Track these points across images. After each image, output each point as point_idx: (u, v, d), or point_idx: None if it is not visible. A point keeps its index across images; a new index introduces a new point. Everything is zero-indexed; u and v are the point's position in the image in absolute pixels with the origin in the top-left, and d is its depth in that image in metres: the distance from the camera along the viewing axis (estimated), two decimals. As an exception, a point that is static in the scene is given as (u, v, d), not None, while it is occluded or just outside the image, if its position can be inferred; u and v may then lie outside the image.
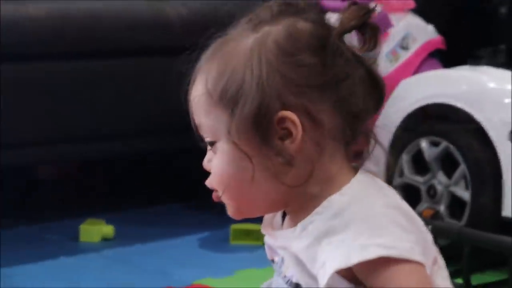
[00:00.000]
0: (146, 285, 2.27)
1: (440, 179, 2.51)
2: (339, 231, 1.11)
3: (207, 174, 1.18)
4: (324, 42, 1.13)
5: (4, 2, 2.50)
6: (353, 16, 1.16)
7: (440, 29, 2.92)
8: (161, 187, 3.35)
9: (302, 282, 1.17)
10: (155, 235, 2.73)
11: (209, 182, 1.19)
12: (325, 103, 1.13)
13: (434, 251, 1.15)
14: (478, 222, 2.39)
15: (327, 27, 1.15)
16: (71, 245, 2.65)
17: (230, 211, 1.21)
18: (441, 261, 1.18)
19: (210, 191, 1.19)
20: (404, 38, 2.82)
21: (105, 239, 2.69)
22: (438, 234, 2.35)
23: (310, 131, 1.13)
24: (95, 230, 2.69)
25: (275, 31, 1.14)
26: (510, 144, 2.39)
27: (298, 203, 1.18)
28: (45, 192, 3.35)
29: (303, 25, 1.15)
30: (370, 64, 1.14)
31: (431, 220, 2.35)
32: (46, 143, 2.66)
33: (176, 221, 2.90)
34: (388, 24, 2.72)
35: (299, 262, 1.16)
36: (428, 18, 2.87)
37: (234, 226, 2.58)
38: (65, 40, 2.61)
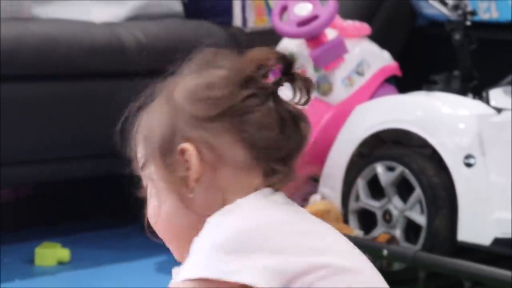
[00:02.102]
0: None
1: (395, 204, 2.49)
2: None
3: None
4: (234, 78, 1.16)
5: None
6: (270, 57, 1.18)
7: (395, 55, 2.93)
8: (118, 209, 3.33)
9: None
10: (112, 258, 2.72)
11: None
12: (228, 135, 1.16)
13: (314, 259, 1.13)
14: (433, 246, 2.38)
15: (238, 69, 1.18)
16: (26, 268, 2.62)
17: (174, 255, 1.25)
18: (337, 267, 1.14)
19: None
20: (360, 64, 2.81)
21: (60, 263, 2.65)
22: (394, 259, 2.37)
23: (210, 162, 1.16)
24: (50, 253, 2.66)
25: (189, 79, 1.19)
26: (465, 168, 2.40)
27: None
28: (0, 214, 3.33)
29: (217, 71, 1.18)
30: (292, 103, 1.17)
31: (387, 245, 2.37)
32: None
33: (134, 244, 2.86)
34: (343, 50, 2.72)
35: None
36: (383, 44, 2.87)
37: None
38: (19, 63, 2.59)
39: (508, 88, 2.38)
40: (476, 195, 2.38)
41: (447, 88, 2.61)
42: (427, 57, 3.09)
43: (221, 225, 1.13)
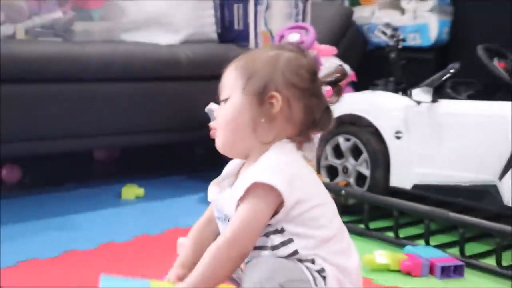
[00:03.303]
0: (159, 227, 2.24)
1: (350, 162, 2.50)
2: (252, 172, 1.15)
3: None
4: (314, 74, 1.21)
5: None
6: (332, 74, 1.24)
7: (353, 67, 2.93)
8: (176, 164, 3.35)
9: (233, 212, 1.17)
10: (171, 195, 2.70)
11: (213, 124, 1.24)
12: (300, 103, 1.19)
13: (321, 194, 1.19)
14: (374, 189, 2.38)
15: (314, 61, 1.24)
16: (115, 201, 2.62)
17: (218, 144, 1.22)
18: (331, 206, 1.20)
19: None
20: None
21: (138, 197, 2.66)
22: (348, 197, 2.37)
23: (283, 112, 1.18)
24: (131, 191, 2.67)
25: (287, 53, 1.21)
26: (395, 140, 2.39)
27: (254, 157, 1.20)
28: (100, 166, 3.35)
29: (303, 58, 1.22)
30: (329, 101, 1.22)
31: (344, 188, 2.37)
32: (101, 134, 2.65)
33: (185, 186, 2.87)
34: (319, 64, 2.72)
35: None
36: (345, 60, 2.88)
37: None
38: (110, 70, 2.56)
39: (425, 88, 2.36)
40: (402, 157, 2.37)
41: (385, 88, 2.61)
42: (373, 69, 3.07)
43: (276, 158, 1.16)
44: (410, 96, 2.39)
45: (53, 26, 2.51)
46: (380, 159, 2.40)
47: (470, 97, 2.43)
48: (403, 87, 2.57)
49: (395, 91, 2.55)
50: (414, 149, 2.35)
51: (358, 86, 2.82)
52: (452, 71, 2.36)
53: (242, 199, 1.14)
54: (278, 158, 1.17)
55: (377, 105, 2.47)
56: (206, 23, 2.93)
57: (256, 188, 1.13)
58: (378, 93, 2.56)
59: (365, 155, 2.44)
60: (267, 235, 1.15)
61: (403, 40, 2.67)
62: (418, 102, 2.37)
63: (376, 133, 2.42)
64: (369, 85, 2.70)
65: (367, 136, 2.44)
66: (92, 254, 1.94)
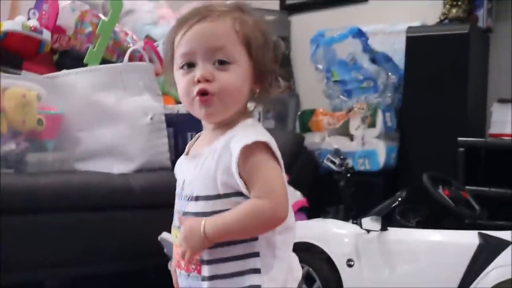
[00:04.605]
0: None
1: (303, 289, 2.49)
2: (239, 136, 1.15)
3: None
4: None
5: None
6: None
7: (305, 193, 2.96)
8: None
9: (203, 190, 1.15)
10: None
11: (212, 89, 1.17)
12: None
13: None
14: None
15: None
16: None
17: (211, 111, 1.18)
18: None
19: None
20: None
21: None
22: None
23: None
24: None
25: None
26: (347, 268, 2.40)
27: (228, 125, 1.20)
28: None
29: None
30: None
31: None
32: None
33: None
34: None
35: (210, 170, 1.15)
36: (297, 186, 2.92)
37: None
38: (63, 200, 2.55)
39: (374, 217, 2.40)
40: (355, 285, 2.38)
41: (336, 216, 2.65)
42: (325, 194, 3.10)
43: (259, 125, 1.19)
44: (360, 224, 2.43)
45: (6, 157, 2.50)
46: (333, 287, 2.40)
47: (419, 224, 2.49)
48: (354, 214, 2.61)
49: (346, 218, 2.59)
50: (366, 276, 2.37)
51: (311, 212, 2.85)
52: (399, 199, 2.42)
53: (245, 161, 1.11)
54: (260, 126, 1.18)
55: (328, 233, 2.50)
56: (160, 151, 2.95)
57: (257, 147, 1.11)
58: (330, 220, 2.60)
59: (318, 283, 2.44)
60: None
61: (352, 168, 2.73)
62: (368, 231, 2.40)
63: (329, 261, 2.43)
64: (321, 211, 2.73)
65: (320, 264, 2.45)
66: None
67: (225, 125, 1.20)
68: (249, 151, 1.12)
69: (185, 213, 1.17)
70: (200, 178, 1.17)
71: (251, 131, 1.16)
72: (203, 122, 1.25)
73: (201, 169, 1.17)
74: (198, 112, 1.20)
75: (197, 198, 1.17)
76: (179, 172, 1.25)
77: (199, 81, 1.17)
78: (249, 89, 1.19)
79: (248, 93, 1.19)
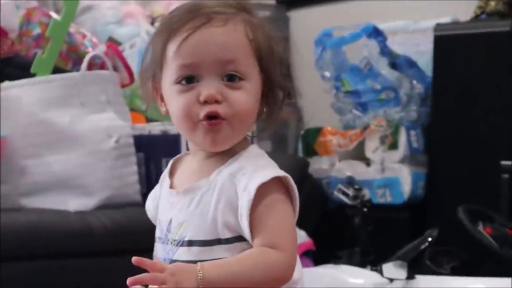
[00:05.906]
0: None
1: None
2: (249, 169, 1.15)
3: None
4: None
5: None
6: None
7: (310, 233, 2.95)
8: None
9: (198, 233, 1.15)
10: None
11: (223, 112, 1.16)
12: None
13: None
14: None
15: None
16: None
17: (218, 139, 1.18)
18: None
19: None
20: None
21: None
22: None
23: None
24: None
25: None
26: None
27: (229, 152, 1.21)
28: None
29: None
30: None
31: None
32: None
33: None
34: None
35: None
36: (300, 224, 2.90)
37: None
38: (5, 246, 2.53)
39: (398, 262, 2.40)
40: None
41: (350, 262, 2.63)
42: (336, 233, 3.10)
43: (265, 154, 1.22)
44: (380, 272, 2.42)
45: None
46: None
47: (454, 270, 2.48)
48: (372, 259, 2.60)
49: (363, 264, 2.58)
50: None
51: (318, 256, 2.83)
52: (429, 239, 2.42)
53: (258, 203, 1.12)
54: (265, 155, 1.21)
55: (341, 283, 2.50)
56: (128, 182, 2.95)
57: (275, 184, 1.14)
58: (342, 267, 2.59)
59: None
60: None
61: (369, 201, 2.73)
62: (391, 280, 2.40)
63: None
64: (331, 256, 2.72)
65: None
66: None
67: (223, 152, 1.19)
68: (265, 190, 1.12)
69: (173, 262, 1.15)
70: (195, 219, 1.15)
71: (263, 163, 1.16)
72: (192, 147, 1.23)
73: (196, 207, 1.16)
74: (202, 139, 1.17)
75: (190, 243, 1.15)
76: (163, 211, 1.22)
77: (205, 102, 1.15)
78: (258, 108, 1.20)
79: (258, 113, 1.20)
